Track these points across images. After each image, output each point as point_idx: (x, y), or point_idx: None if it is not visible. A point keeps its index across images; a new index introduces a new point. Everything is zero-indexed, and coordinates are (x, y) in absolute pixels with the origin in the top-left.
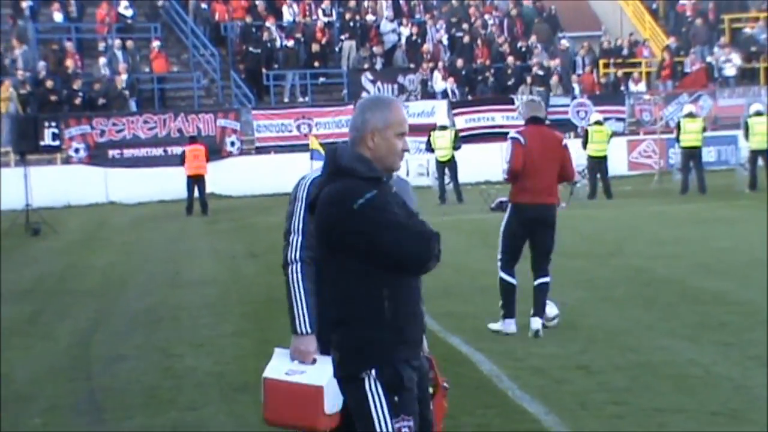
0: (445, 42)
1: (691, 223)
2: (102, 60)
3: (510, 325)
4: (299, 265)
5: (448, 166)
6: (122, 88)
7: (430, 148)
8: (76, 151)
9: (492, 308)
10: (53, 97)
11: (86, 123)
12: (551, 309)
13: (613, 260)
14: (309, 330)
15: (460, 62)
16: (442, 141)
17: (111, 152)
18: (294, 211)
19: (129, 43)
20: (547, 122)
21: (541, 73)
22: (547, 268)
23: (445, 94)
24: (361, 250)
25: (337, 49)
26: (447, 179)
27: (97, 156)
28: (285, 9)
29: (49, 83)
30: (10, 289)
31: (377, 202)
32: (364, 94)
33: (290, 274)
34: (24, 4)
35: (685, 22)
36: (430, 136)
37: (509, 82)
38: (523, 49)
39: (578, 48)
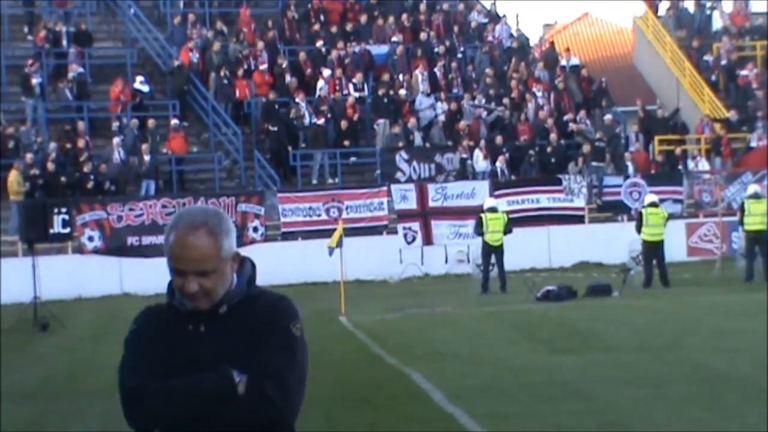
0: (485, 118)
1: (756, 314)
2: (116, 140)
3: None
4: None
5: (495, 251)
6: (144, 170)
7: (479, 232)
8: (90, 239)
9: (539, 408)
10: (63, 180)
11: (100, 208)
12: None
13: (670, 355)
14: None
15: (500, 139)
16: (496, 224)
17: (130, 239)
18: None
19: (150, 122)
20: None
21: (600, 146)
22: None
23: (486, 174)
24: None
25: (375, 126)
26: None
27: (114, 244)
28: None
29: (56, 166)
30: (12, 390)
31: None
32: (398, 175)
33: None
34: (34, 82)
35: (749, 95)
36: (481, 219)
37: (554, 160)
38: (570, 125)
39: (631, 123)
